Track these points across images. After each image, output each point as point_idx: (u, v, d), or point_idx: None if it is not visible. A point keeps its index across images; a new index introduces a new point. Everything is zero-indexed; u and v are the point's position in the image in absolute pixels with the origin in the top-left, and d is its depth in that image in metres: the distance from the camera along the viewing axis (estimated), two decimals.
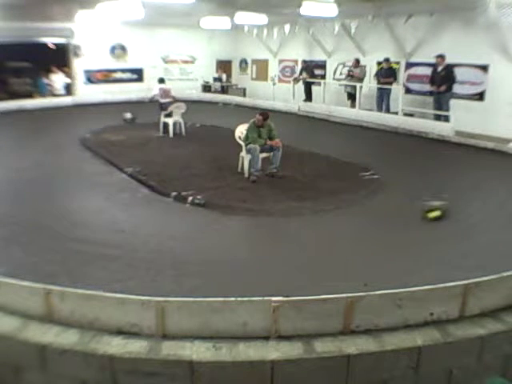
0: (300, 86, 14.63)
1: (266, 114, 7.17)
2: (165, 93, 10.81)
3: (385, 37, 12.22)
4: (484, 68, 10.44)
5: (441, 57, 10.48)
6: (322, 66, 15.02)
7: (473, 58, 10.48)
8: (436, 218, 5.40)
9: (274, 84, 16.14)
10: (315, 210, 5.82)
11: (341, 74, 14.38)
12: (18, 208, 5.76)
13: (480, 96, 10.65)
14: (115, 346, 2.64)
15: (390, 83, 11.91)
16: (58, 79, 15.81)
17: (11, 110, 13.31)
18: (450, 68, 10.46)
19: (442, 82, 10.41)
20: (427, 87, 11.21)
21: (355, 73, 12.78)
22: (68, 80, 16.00)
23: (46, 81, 15.63)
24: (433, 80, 10.70)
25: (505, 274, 3.08)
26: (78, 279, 3.79)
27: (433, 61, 10.73)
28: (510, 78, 9.82)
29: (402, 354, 2.69)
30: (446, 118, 10.48)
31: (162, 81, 11.30)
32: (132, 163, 7.71)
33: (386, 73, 12.06)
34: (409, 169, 8.02)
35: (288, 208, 5.87)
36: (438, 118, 10.81)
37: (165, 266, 4.21)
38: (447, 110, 10.48)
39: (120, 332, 2.74)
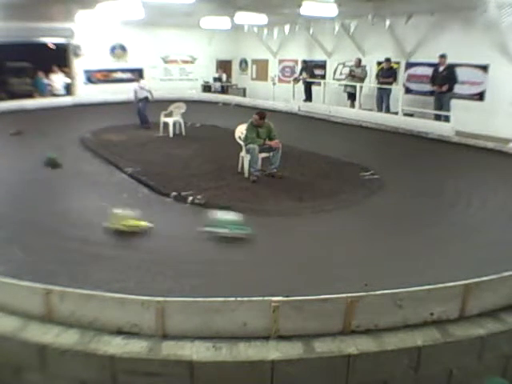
0: (300, 86, 14.63)
1: (262, 113, 7.18)
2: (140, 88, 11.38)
3: (385, 37, 12.22)
4: (484, 68, 10.43)
5: (443, 57, 10.47)
6: (322, 65, 15.02)
7: (473, 58, 10.47)
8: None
9: (274, 84, 16.14)
10: (315, 210, 5.82)
11: (341, 73, 14.39)
12: (18, 208, 5.76)
13: (480, 96, 10.65)
14: (115, 345, 2.64)
15: (390, 83, 11.91)
16: (57, 79, 15.80)
17: (11, 110, 13.30)
18: (451, 68, 10.45)
19: (443, 82, 10.42)
20: (427, 87, 11.22)
21: (356, 72, 12.78)
22: (68, 80, 15.99)
23: (46, 81, 15.61)
24: (434, 80, 10.70)
25: (505, 274, 3.08)
26: (78, 279, 3.79)
27: (433, 61, 10.74)
28: (510, 77, 9.82)
29: (402, 353, 2.70)
30: (447, 118, 10.48)
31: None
32: (132, 163, 7.71)
33: (386, 73, 12.06)
34: (409, 169, 8.01)
35: (288, 208, 5.87)
36: (438, 117, 10.81)
37: (165, 266, 4.21)
38: (448, 109, 10.49)
39: (120, 332, 2.74)
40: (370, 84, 12.87)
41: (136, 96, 11.30)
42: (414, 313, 2.86)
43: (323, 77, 14.74)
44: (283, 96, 15.24)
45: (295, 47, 15.90)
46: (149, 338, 2.71)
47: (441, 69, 10.56)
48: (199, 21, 13.54)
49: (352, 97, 12.96)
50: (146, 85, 11.68)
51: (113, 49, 16.59)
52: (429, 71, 11.05)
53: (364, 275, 3.97)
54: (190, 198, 6.02)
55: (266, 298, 2.72)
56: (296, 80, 14.77)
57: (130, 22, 13.94)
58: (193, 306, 2.74)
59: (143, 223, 4.92)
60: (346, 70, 13.68)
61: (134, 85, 11.64)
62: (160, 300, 2.71)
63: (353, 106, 12.91)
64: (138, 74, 12.03)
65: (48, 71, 15.64)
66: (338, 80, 14.35)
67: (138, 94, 11.31)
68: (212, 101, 16.69)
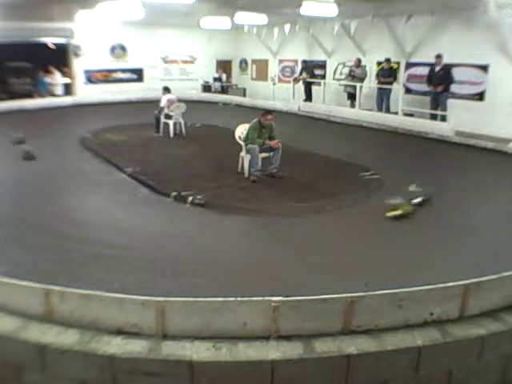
0: (300, 86, 14.64)
1: (271, 111, 7.29)
2: (170, 103, 10.49)
3: (385, 37, 12.23)
4: (484, 68, 10.44)
5: (439, 57, 10.51)
6: (322, 66, 15.03)
7: (473, 58, 10.48)
8: (397, 217, 5.39)
9: (274, 84, 16.15)
10: (315, 210, 5.82)
11: (341, 73, 14.40)
12: (18, 208, 5.76)
13: (480, 96, 10.65)
14: (115, 345, 2.64)
15: (390, 83, 11.92)
16: (55, 79, 15.80)
17: (11, 110, 13.30)
18: (447, 68, 10.47)
19: (439, 82, 10.43)
20: (427, 87, 11.23)
21: (356, 73, 12.78)
22: (65, 80, 15.97)
23: (48, 80, 15.59)
24: (430, 79, 10.72)
25: (505, 274, 3.07)
26: (77, 279, 3.79)
27: (433, 61, 10.74)
28: (510, 77, 9.82)
29: (402, 353, 2.69)
30: (443, 118, 10.52)
31: (167, 90, 10.86)
32: (132, 163, 7.71)
33: (386, 73, 12.07)
34: (409, 169, 8.01)
35: (288, 208, 5.87)
36: (434, 117, 10.82)
37: (165, 266, 4.21)
38: (444, 109, 10.52)
39: (120, 332, 2.74)
40: (370, 84, 12.87)
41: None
42: (414, 313, 2.86)
43: (323, 77, 14.75)
44: (283, 96, 15.24)
45: (295, 47, 15.91)
46: (149, 338, 2.71)
47: (437, 69, 10.58)
48: (199, 21, 13.54)
49: (352, 97, 12.96)
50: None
51: (113, 49, 16.60)
52: None
53: (364, 275, 3.97)
54: (190, 198, 6.03)
55: (266, 298, 2.72)
56: (296, 80, 14.77)
57: (130, 22, 13.95)
58: (193, 306, 2.74)
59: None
60: (346, 70, 13.69)
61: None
62: (160, 300, 2.71)
63: (353, 106, 12.91)
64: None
65: (46, 71, 15.63)
66: (338, 80, 14.35)
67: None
68: (212, 101, 16.69)
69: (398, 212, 5.37)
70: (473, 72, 10.62)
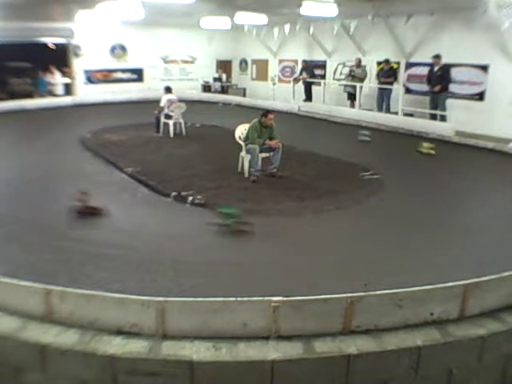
0: (300, 85, 14.63)
1: (271, 111, 7.26)
2: (171, 103, 10.43)
3: (385, 37, 12.23)
4: (484, 68, 10.44)
5: (437, 57, 10.52)
6: (322, 65, 15.03)
7: (473, 58, 10.48)
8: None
9: (274, 84, 16.14)
10: (315, 210, 5.82)
11: (341, 73, 14.39)
12: (17, 208, 5.76)
13: (480, 96, 10.65)
14: (115, 345, 2.64)
15: (391, 83, 11.92)
16: (55, 79, 15.79)
17: (11, 110, 13.30)
18: (445, 68, 10.49)
19: (437, 82, 10.44)
20: (427, 87, 11.23)
21: (356, 73, 12.78)
22: (65, 80, 15.95)
23: (48, 80, 15.58)
24: (429, 79, 10.74)
25: (505, 274, 3.08)
26: (77, 279, 3.79)
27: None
28: (510, 78, 9.82)
29: (402, 353, 2.70)
30: (443, 118, 10.52)
31: (168, 90, 10.83)
32: (132, 163, 7.70)
33: (387, 73, 12.07)
34: (409, 169, 8.02)
35: (288, 208, 5.87)
36: (433, 117, 10.82)
37: (165, 266, 4.20)
38: (444, 109, 10.52)
39: (120, 332, 2.74)
40: (370, 84, 12.87)
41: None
42: (413, 313, 2.86)
43: (323, 77, 14.74)
44: (283, 96, 15.24)
45: (295, 47, 15.90)
46: (149, 338, 2.71)
47: (435, 69, 10.59)
48: (199, 21, 13.54)
49: (352, 97, 12.96)
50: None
51: (113, 49, 16.59)
52: None
53: (364, 275, 3.97)
54: (190, 198, 6.02)
55: (266, 298, 2.72)
56: (296, 80, 14.77)
57: (129, 22, 13.95)
58: (193, 306, 2.74)
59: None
60: (346, 70, 13.69)
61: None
62: (160, 300, 2.71)
63: (353, 106, 12.91)
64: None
65: (46, 71, 15.64)
66: (338, 80, 14.35)
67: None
68: (212, 101, 16.69)
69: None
70: (473, 72, 10.62)
